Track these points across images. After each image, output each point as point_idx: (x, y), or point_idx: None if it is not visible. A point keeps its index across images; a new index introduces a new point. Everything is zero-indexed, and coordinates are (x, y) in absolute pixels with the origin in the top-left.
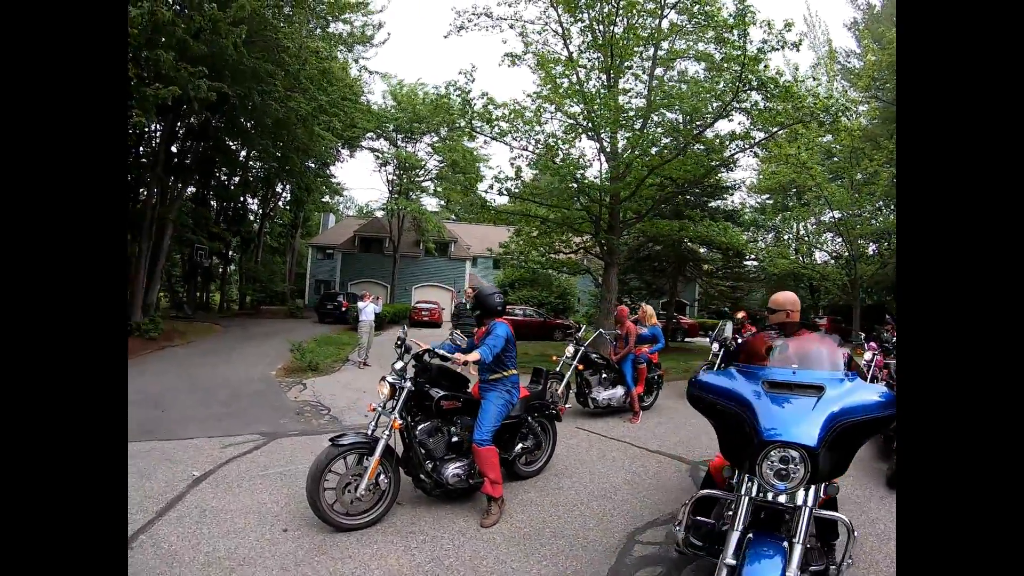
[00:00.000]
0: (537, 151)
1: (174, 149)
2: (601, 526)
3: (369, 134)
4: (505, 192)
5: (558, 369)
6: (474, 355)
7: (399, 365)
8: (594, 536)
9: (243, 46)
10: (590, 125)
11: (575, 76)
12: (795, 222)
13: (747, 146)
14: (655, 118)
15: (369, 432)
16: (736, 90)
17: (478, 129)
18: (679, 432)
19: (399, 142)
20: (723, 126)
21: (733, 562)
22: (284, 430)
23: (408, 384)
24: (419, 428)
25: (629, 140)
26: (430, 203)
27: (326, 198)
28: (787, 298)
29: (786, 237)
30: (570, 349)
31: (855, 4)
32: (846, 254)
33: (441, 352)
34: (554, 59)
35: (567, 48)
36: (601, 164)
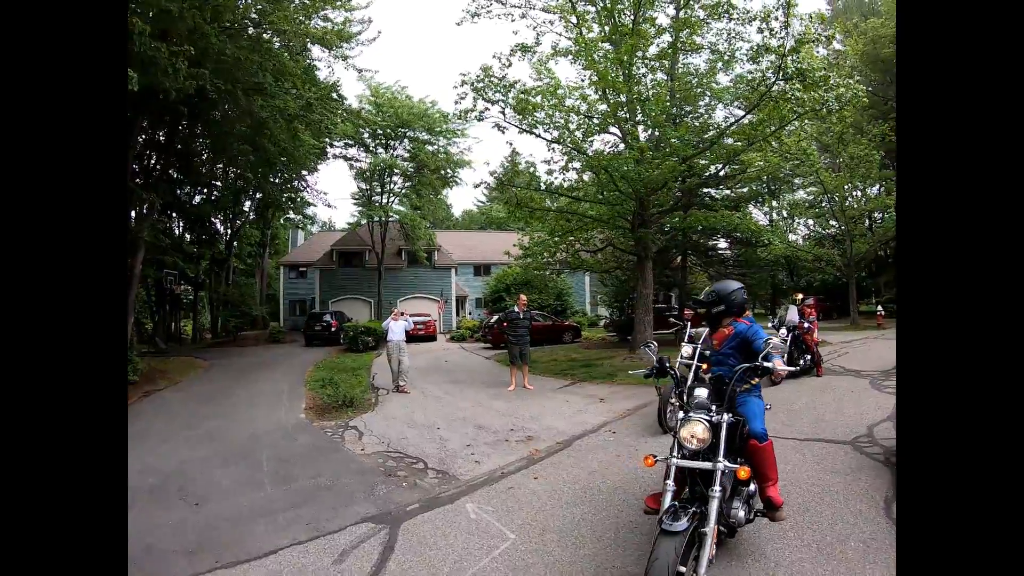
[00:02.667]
0: (568, 144)
1: (135, 167)
2: (874, 527)
3: (344, 140)
4: (546, 188)
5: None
6: (779, 363)
7: (703, 392)
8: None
9: (224, 35)
10: (611, 117)
11: (592, 63)
12: (778, 207)
13: (761, 137)
14: (685, 108)
15: (667, 496)
16: (773, 80)
17: (510, 120)
18: (802, 416)
19: (375, 148)
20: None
21: None
22: (396, 507)
23: (728, 417)
24: None
25: (666, 132)
26: (402, 210)
27: (308, 210)
28: None
29: (762, 222)
30: (687, 349)
31: None
32: (824, 233)
33: (769, 364)
34: (567, 50)
35: (582, 38)
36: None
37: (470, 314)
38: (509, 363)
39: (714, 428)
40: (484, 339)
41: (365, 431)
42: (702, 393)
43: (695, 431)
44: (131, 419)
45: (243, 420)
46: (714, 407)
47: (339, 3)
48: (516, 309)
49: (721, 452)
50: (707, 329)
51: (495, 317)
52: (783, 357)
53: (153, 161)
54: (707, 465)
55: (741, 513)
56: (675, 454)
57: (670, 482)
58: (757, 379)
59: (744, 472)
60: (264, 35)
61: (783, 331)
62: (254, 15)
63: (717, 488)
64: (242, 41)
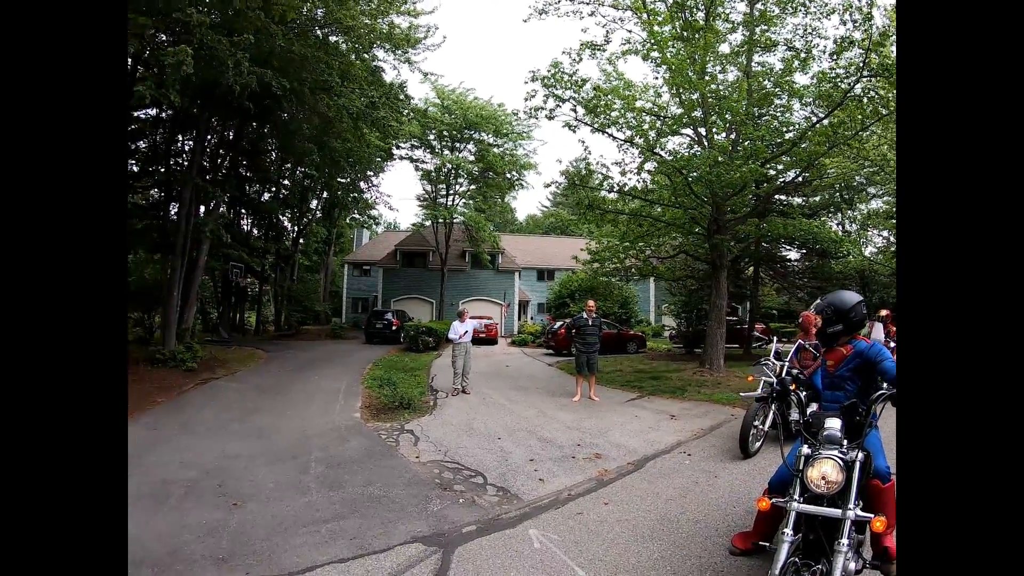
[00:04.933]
0: (641, 144)
1: (205, 164)
2: None
3: (410, 142)
4: (619, 190)
5: (759, 391)
6: None
7: (836, 424)
8: None
9: (291, 35)
10: (686, 116)
11: (665, 59)
12: (852, 218)
13: (841, 140)
14: (761, 110)
15: (784, 549)
16: (857, 77)
17: (581, 119)
18: (891, 448)
19: (440, 150)
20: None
21: None
22: (452, 527)
23: (863, 455)
24: None
25: (747, 131)
26: (467, 212)
27: (372, 212)
28: None
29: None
30: (776, 366)
31: None
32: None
33: None
34: (637, 48)
35: (654, 32)
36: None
37: (532, 319)
38: (575, 372)
39: (847, 468)
40: (546, 345)
41: (421, 436)
42: (834, 425)
43: (826, 472)
44: (183, 408)
45: (296, 416)
46: (845, 443)
47: (404, 8)
48: (585, 315)
49: (852, 497)
50: (794, 346)
51: (558, 323)
52: None
53: (220, 160)
54: (835, 512)
55: (852, 565)
56: (796, 497)
57: (789, 532)
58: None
59: (880, 524)
60: (331, 37)
61: None
62: (320, 16)
63: (846, 541)
64: (309, 40)
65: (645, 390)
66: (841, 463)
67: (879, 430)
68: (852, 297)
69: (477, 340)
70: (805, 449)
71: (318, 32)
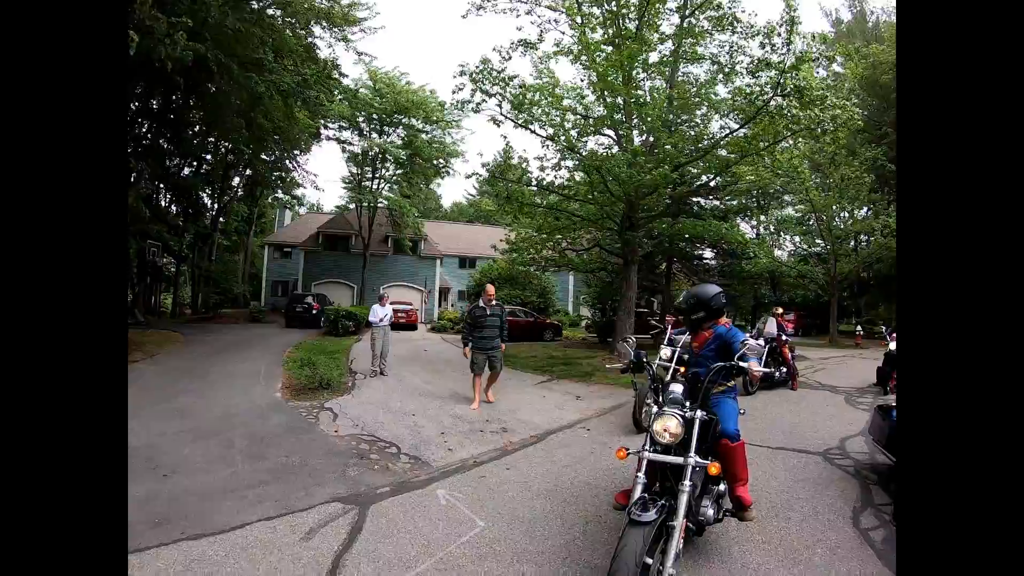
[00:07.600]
0: (562, 142)
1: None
2: (841, 535)
3: (339, 123)
4: (538, 184)
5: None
6: (754, 364)
7: (678, 388)
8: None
9: (225, 7)
10: (608, 119)
11: (593, 63)
12: (766, 222)
13: (754, 151)
14: (682, 116)
15: (638, 488)
16: (771, 95)
17: (506, 114)
18: (775, 426)
19: (369, 133)
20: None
21: None
22: (367, 489)
23: (701, 414)
24: None
25: (660, 138)
26: (392, 196)
27: (296, 192)
28: None
29: (750, 235)
30: (666, 351)
31: (827, 17)
32: (809, 250)
33: (744, 364)
34: (569, 49)
35: (585, 37)
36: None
37: (452, 305)
38: (471, 372)
39: (687, 424)
40: None
41: (340, 413)
42: (677, 389)
43: (668, 425)
44: None
45: (218, 397)
46: (688, 404)
47: None
48: (482, 303)
49: (692, 448)
50: (688, 334)
51: None
52: (760, 360)
53: (144, 129)
54: (678, 460)
55: (710, 511)
56: (647, 448)
57: (640, 475)
58: (733, 380)
59: (715, 468)
60: (268, 10)
61: (760, 341)
62: None
63: (687, 483)
64: (244, 13)
65: (555, 374)
66: (681, 419)
67: (737, 402)
68: (712, 289)
69: (397, 325)
70: (654, 408)
71: (254, 4)
